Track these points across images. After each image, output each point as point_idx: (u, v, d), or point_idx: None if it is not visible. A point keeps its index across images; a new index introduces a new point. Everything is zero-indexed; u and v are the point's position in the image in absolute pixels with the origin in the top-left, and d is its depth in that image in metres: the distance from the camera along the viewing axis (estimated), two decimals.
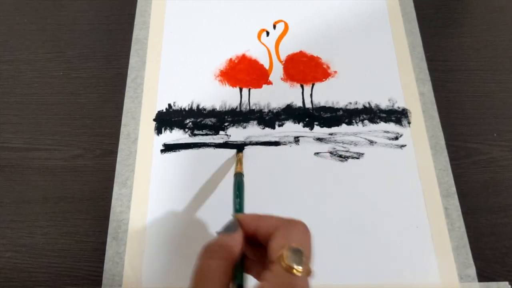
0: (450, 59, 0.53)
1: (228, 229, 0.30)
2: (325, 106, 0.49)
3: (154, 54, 0.52)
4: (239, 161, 0.43)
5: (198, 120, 0.48)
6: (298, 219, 0.29)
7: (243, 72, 0.51)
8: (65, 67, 0.52)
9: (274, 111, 0.48)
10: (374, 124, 0.48)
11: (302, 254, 0.26)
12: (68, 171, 0.46)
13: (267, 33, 0.53)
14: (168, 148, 0.46)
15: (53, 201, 0.44)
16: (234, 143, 0.46)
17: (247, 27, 0.54)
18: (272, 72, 0.51)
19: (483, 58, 0.53)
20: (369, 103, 0.49)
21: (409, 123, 0.48)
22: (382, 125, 0.48)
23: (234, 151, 0.46)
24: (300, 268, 0.25)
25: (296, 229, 0.28)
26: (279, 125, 0.48)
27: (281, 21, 0.54)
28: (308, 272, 0.26)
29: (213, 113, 0.48)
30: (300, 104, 0.49)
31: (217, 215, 0.43)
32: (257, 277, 0.30)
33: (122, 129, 0.47)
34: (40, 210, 0.44)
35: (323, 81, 0.50)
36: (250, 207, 0.43)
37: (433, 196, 0.44)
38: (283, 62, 0.51)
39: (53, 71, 0.52)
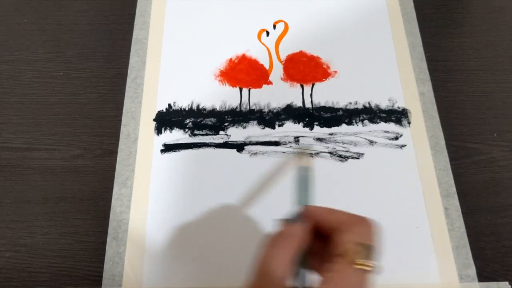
0: (450, 59, 0.53)
1: (293, 219, 0.30)
2: (325, 106, 0.49)
3: (154, 54, 0.52)
4: (304, 155, 0.43)
5: (198, 120, 0.48)
6: (368, 217, 0.29)
7: (243, 72, 0.51)
8: (65, 67, 0.52)
9: (274, 111, 0.48)
10: (374, 124, 0.48)
11: (371, 250, 0.26)
12: (68, 171, 0.46)
13: (267, 33, 0.53)
14: (168, 148, 0.46)
15: (53, 201, 0.44)
16: (234, 143, 0.46)
17: (247, 27, 0.54)
18: (272, 72, 0.51)
19: (483, 58, 0.53)
20: (369, 103, 0.49)
21: (409, 123, 0.48)
22: (382, 125, 0.48)
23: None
24: (370, 263, 0.25)
25: (367, 225, 0.28)
26: (279, 125, 0.48)
27: (281, 21, 0.54)
28: (377, 268, 0.26)
29: (213, 113, 0.48)
30: (300, 104, 0.49)
31: (217, 214, 0.43)
32: (318, 269, 0.30)
33: (122, 129, 0.47)
34: (40, 210, 0.44)
35: (323, 81, 0.50)
36: (250, 205, 0.43)
37: (433, 196, 0.44)
38: (283, 62, 0.51)
39: (53, 71, 0.52)
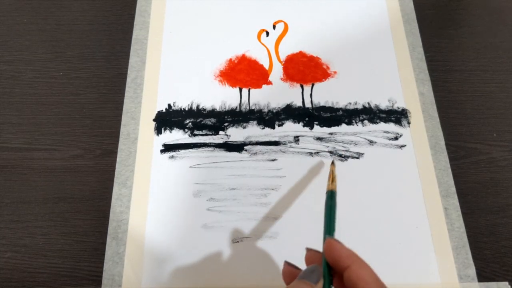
0: (450, 59, 0.53)
1: (311, 277, 0.30)
2: (325, 106, 0.49)
3: (154, 54, 0.52)
4: (332, 176, 0.37)
5: (198, 120, 0.48)
6: None
7: (243, 72, 0.51)
8: (65, 67, 0.52)
9: (274, 111, 0.48)
10: (374, 124, 0.48)
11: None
12: (68, 171, 0.46)
13: (267, 33, 0.53)
14: (168, 148, 0.46)
15: (53, 201, 0.44)
16: (234, 143, 0.46)
17: (247, 27, 0.54)
18: (272, 72, 0.51)
19: (483, 58, 0.53)
20: (369, 103, 0.49)
21: (409, 123, 0.48)
22: (382, 125, 0.48)
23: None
24: None
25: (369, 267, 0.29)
26: (279, 125, 0.48)
27: (281, 21, 0.54)
28: None
29: (213, 113, 0.48)
30: (300, 104, 0.49)
31: (217, 215, 0.43)
32: None
33: (122, 129, 0.47)
34: (40, 210, 0.44)
35: (323, 81, 0.50)
36: (250, 205, 0.43)
37: (433, 196, 0.44)
38: (283, 62, 0.51)
39: (53, 71, 0.52)
